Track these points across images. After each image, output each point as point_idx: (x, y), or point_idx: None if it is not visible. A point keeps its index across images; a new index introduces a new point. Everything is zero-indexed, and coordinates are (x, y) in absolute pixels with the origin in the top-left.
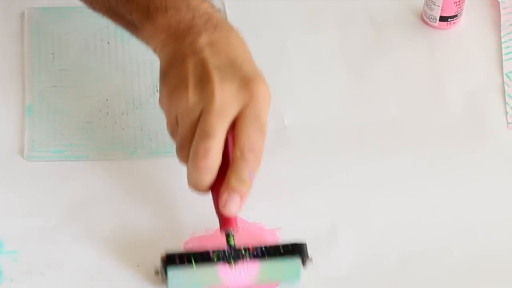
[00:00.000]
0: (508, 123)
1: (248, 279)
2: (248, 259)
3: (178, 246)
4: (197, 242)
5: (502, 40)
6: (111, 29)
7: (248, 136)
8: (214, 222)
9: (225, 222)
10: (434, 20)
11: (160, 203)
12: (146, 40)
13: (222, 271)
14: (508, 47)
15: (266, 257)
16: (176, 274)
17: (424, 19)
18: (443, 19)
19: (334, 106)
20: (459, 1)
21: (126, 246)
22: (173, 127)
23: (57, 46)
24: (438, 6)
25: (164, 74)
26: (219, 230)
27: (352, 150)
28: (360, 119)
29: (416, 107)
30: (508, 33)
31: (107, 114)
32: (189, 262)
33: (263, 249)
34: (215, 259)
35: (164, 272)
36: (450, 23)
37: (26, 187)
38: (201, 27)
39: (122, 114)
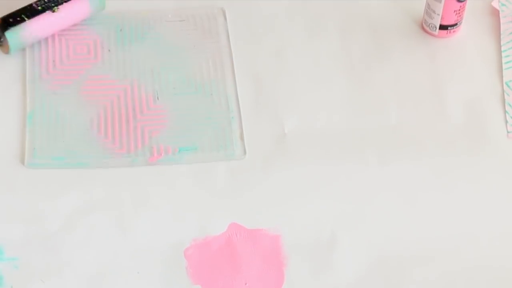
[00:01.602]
0: (508, 132)
1: (73, 14)
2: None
3: (178, 253)
4: (197, 250)
5: (502, 49)
6: (112, 37)
7: None
8: (214, 230)
9: None
10: (434, 29)
11: (161, 211)
12: None
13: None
14: (508, 56)
15: None
16: (14, 34)
17: (424, 27)
18: (443, 27)
19: (335, 114)
20: (459, 10)
21: (126, 253)
22: None
23: (58, 54)
24: (438, 14)
25: None
26: (219, 236)
27: (352, 157)
28: (360, 127)
29: (416, 115)
30: (508, 42)
31: (108, 122)
32: (22, 19)
33: None
34: (41, 9)
35: (2, 35)
36: (450, 32)
37: (27, 194)
38: None
39: (123, 121)
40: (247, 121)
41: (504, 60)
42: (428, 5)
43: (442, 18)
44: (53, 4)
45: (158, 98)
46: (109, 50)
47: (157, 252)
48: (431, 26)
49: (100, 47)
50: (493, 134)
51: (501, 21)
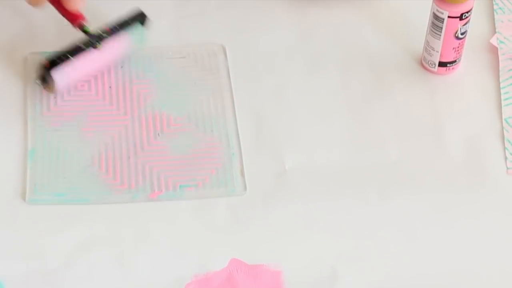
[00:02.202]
0: (507, 168)
1: (116, 50)
2: (108, 37)
3: None
4: (198, 285)
5: (501, 85)
6: (113, 74)
7: None
8: (215, 265)
9: (74, 17)
10: (433, 66)
11: (161, 247)
12: None
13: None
14: (507, 92)
15: (120, 30)
16: (60, 73)
17: (423, 64)
18: (442, 64)
19: (335, 150)
20: (458, 47)
21: None
22: None
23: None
24: (437, 51)
25: None
26: (220, 271)
27: (352, 194)
28: (360, 163)
29: (415, 151)
30: (507, 79)
31: (109, 158)
32: (67, 58)
33: (116, 26)
34: (85, 47)
35: (49, 75)
36: (449, 69)
37: (27, 230)
38: None
39: (124, 157)
40: (247, 157)
41: (503, 96)
42: (427, 43)
43: (441, 55)
44: (96, 42)
45: (159, 135)
46: (110, 87)
47: None
48: (430, 63)
49: (101, 84)
50: (493, 170)
51: (500, 58)
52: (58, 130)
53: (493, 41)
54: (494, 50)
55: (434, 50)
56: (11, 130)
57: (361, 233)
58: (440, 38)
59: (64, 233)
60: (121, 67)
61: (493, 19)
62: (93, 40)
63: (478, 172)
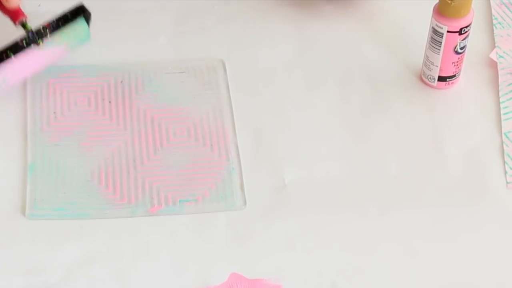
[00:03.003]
0: (507, 182)
1: (57, 47)
2: (49, 34)
3: None
4: None
5: (500, 100)
6: (112, 89)
7: None
8: (215, 280)
9: (14, 14)
10: (433, 80)
11: (161, 261)
12: None
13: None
14: (507, 107)
15: (61, 26)
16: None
17: (423, 79)
18: (441, 79)
19: (334, 164)
20: (457, 62)
21: None
22: None
23: (59, 105)
24: (437, 66)
25: None
26: (219, 286)
27: (352, 208)
28: (360, 177)
29: (415, 165)
30: (506, 93)
31: (108, 173)
32: (8, 56)
33: (56, 20)
34: (25, 44)
35: None
36: (448, 83)
37: (27, 245)
38: None
39: (123, 172)
40: (247, 171)
41: (502, 111)
42: (426, 57)
43: (440, 69)
44: (37, 38)
45: (158, 149)
46: (109, 102)
47: None
48: (430, 77)
49: (100, 99)
50: (493, 185)
51: (499, 72)
52: (57, 145)
53: (493, 55)
54: (493, 65)
55: (433, 65)
56: (11, 144)
57: (361, 247)
58: (439, 52)
59: (64, 248)
60: (121, 81)
61: (493, 33)
62: (34, 37)
63: (478, 186)
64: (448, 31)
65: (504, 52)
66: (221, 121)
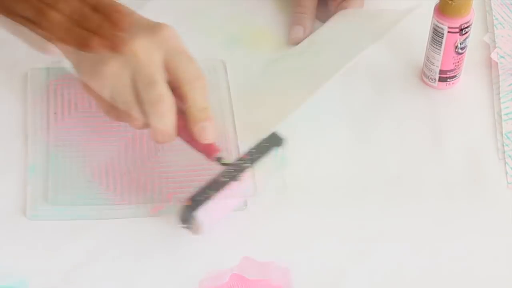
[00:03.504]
0: (508, 183)
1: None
2: (248, 166)
3: None
4: None
5: (501, 100)
6: None
7: (184, 68)
8: (216, 280)
9: (209, 150)
10: (433, 81)
11: (162, 262)
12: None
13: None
14: (507, 107)
15: (258, 156)
16: (204, 213)
17: (423, 79)
18: (442, 79)
19: (336, 164)
20: (458, 62)
21: None
22: (109, 105)
23: (60, 106)
24: (437, 66)
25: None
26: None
27: (353, 208)
28: (361, 177)
29: (416, 165)
30: (507, 94)
31: (109, 173)
32: (209, 196)
33: (252, 151)
34: (225, 180)
35: (191, 216)
36: (449, 84)
37: (29, 246)
38: None
39: (124, 173)
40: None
41: (503, 111)
42: (427, 57)
43: (441, 69)
44: (237, 173)
45: (159, 150)
46: None
47: None
48: (430, 78)
49: None
50: (493, 185)
51: (500, 72)
52: (58, 146)
53: (493, 56)
54: (494, 65)
55: (434, 65)
56: (12, 145)
57: (362, 247)
58: (440, 52)
59: (65, 249)
60: None
61: (493, 34)
62: (234, 173)
63: (478, 186)
64: (448, 31)
65: (505, 53)
66: (221, 121)
